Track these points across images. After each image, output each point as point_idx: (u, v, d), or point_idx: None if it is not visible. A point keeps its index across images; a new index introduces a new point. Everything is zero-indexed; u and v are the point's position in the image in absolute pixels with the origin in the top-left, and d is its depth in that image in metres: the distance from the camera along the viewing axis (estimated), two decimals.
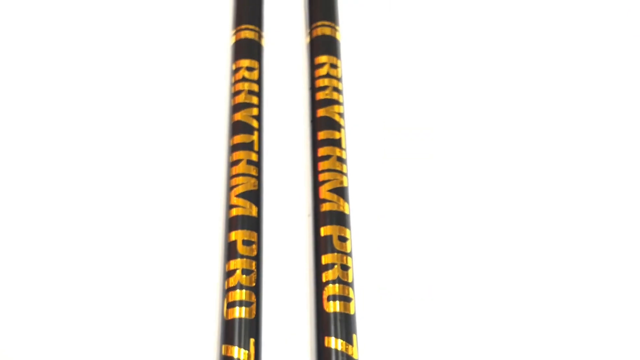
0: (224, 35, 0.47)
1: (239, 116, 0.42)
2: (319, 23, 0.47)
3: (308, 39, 0.47)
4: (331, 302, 0.36)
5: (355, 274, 0.38)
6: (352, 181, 0.41)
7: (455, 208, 0.42)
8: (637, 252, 0.41)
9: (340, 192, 0.39)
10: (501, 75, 0.47)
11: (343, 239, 0.38)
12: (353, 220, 0.39)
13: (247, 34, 0.45)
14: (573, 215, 0.42)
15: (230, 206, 0.39)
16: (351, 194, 0.40)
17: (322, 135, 0.41)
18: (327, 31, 0.46)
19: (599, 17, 0.50)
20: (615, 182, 0.43)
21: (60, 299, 0.38)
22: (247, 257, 0.37)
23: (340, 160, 0.40)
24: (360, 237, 0.40)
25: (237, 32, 0.46)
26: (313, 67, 0.45)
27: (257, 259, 0.37)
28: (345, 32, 0.48)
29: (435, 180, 0.43)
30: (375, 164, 0.43)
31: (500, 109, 0.46)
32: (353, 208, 0.40)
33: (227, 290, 0.36)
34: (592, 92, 0.47)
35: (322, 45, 0.46)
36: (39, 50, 0.48)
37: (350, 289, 0.36)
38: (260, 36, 0.46)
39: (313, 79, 0.44)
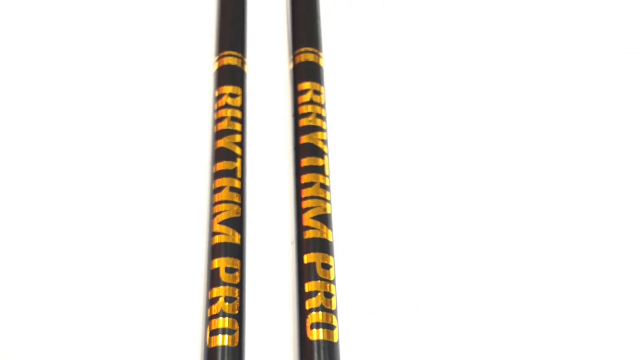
0: (207, 62, 0.47)
1: (221, 143, 0.42)
2: (302, 49, 0.47)
3: (291, 65, 0.47)
4: (314, 329, 0.36)
5: (340, 300, 0.37)
6: (337, 203, 0.41)
7: (442, 227, 0.42)
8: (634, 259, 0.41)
9: (324, 219, 0.39)
10: (486, 93, 0.48)
11: (326, 267, 0.38)
12: (337, 244, 0.39)
13: (230, 60, 0.46)
14: (564, 231, 0.42)
15: (213, 233, 0.39)
16: (336, 215, 0.40)
17: (305, 162, 0.41)
18: (310, 57, 0.46)
19: (587, 34, 0.51)
20: (607, 201, 0.43)
21: (36, 318, 0.38)
22: (230, 284, 0.37)
23: (324, 187, 0.40)
24: (344, 262, 0.40)
25: (219, 58, 0.46)
26: (296, 93, 0.45)
27: (240, 286, 0.37)
28: (329, 58, 0.48)
29: (422, 200, 0.43)
30: (360, 184, 0.43)
31: (486, 125, 0.46)
32: (337, 230, 0.40)
33: (209, 318, 0.36)
34: (582, 112, 0.47)
35: (306, 72, 0.46)
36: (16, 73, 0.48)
37: (334, 316, 0.36)
38: (243, 62, 0.46)
39: (296, 105, 0.44)
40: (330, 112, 0.45)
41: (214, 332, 0.35)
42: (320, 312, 0.36)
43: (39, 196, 0.42)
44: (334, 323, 0.36)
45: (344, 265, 0.40)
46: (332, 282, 0.37)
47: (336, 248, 0.39)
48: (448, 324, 0.38)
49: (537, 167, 0.44)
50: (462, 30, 0.51)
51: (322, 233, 0.39)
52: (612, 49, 0.50)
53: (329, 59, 0.48)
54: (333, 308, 0.36)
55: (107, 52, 0.49)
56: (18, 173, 0.43)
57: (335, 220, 0.40)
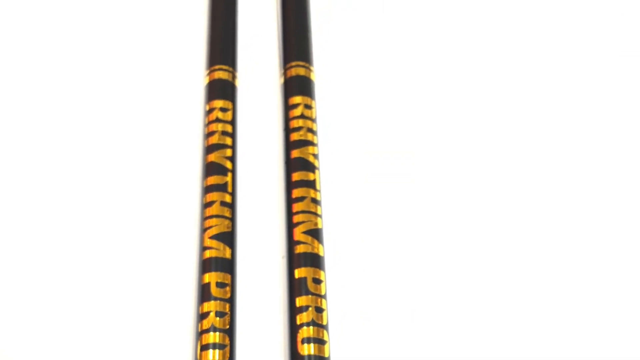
0: (198, 76, 0.47)
1: (212, 157, 0.42)
2: (293, 63, 0.47)
3: (282, 80, 0.47)
4: (305, 344, 0.36)
5: (331, 314, 0.37)
6: (330, 214, 0.41)
7: (437, 236, 0.42)
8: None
9: (315, 233, 0.39)
10: (479, 98, 0.48)
11: (317, 281, 0.37)
12: (328, 258, 0.39)
13: (221, 74, 0.46)
14: (558, 240, 0.42)
15: (203, 248, 0.39)
16: (328, 226, 0.41)
17: (296, 176, 0.41)
18: (301, 72, 0.46)
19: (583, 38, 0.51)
20: (602, 215, 0.43)
21: (27, 328, 0.38)
22: (220, 299, 0.37)
23: (315, 201, 0.40)
24: (335, 276, 0.40)
25: (210, 72, 0.46)
26: (287, 107, 0.45)
27: (231, 301, 0.37)
28: (320, 72, 0.48)
29: (416, 207, 0.43)
30: (354, 194, 0.43)
31: (480, 131, 0.46)
32: (329, 241, 0.40)
33: (200, 333, 0.36)
34: (576, 123, 0.47)
35: (297, 86, 0.46)
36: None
37: (325, 331, 0.36)
38: (234, 76, 0.46)
39: (287, 119, 0.44)
40: (322, 123, 0.45)
41: (204, 347, 0.35)
42: (311, 327, 0.36)
43: (30, 209, 0.42)
44: (325, 338, 0.36)
45: (336, 279, 0.40)
46: (323, 296, 0.37)
47: (327, 262, 0.39)
48: (443, 339, 0.38)
49: (532, 174, 0.45)
50: (453, 39, 0.51)
51: (313, 248, 0.39)
52: (602, 61, 0.51)
53: (320, 73, 0.48)
54: (324, 323, 0.36)
55: (97, 67, 0.49)
56: (6, 179, 0.43)
57: (327, 231, 0.40)
